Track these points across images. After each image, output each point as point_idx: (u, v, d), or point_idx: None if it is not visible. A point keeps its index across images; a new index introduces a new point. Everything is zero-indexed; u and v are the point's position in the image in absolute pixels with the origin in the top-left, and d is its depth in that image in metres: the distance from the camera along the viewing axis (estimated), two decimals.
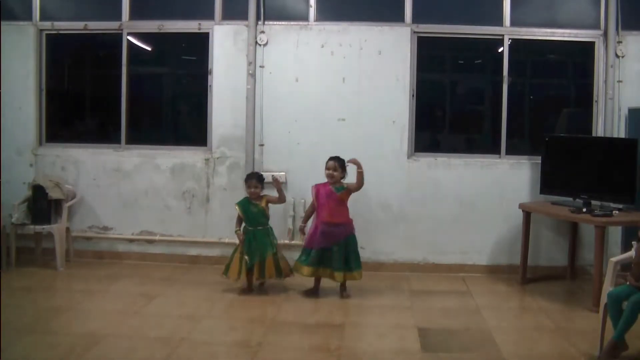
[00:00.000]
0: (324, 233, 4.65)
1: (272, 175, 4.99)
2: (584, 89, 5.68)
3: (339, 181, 4.73)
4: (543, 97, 6.07)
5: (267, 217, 4.88)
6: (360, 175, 4.64)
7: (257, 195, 4.85)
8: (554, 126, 5.76)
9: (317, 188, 4.76)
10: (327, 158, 4.83)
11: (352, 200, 5.46)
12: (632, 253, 3.60)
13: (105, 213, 5.76)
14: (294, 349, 3.69)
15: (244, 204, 4.85)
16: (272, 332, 3.98)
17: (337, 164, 4.71)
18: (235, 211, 4.89)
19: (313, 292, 4.81)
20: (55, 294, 4.86)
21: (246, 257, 4.73)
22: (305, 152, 5.49)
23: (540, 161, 5.32)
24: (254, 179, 4.87)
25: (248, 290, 4.86)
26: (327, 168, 4.72)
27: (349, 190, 4.73)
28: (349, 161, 4.69)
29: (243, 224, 4.86)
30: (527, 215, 5.16)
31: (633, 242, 3.57)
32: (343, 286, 4.79)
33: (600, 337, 3.55)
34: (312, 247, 4.69)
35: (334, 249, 4.66)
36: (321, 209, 4.71)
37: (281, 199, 4.94)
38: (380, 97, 5.49)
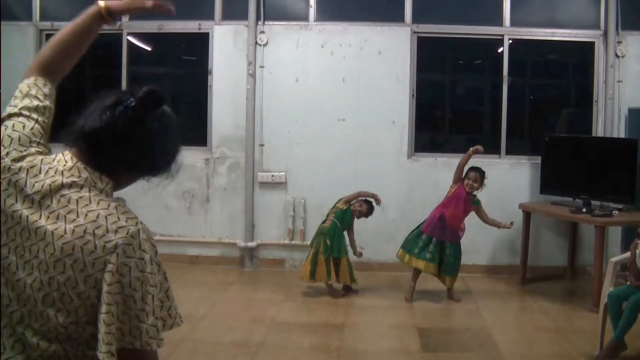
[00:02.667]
0: (437, 223, 4.64)
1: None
2: (584, 89, 5.68)
3: (473, 193, 4.69)
4: (543, 97, 6.08)
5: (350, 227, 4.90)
6: (496, 225, 4.76)
7: (358, 215, 4.89)
8: (554, 126, 5.76)
9: (461, 187, 4.67)
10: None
11: None
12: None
13: None
14: (294, 349, 3.70)
15: (349, 211, 4.86)
16: (272, 332, 3.98)
17: (479, 176, 4.66)
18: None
19: (410, 296, 4.74)
20: None
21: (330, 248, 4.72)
22: (305, 152, 5.49)
23: (540, 161, 5.32)
24: (367, 204, 4.90)
25: (344, 290, 4.85)
26: (468, 178, 4.66)
27: (478, 209, 4.74)
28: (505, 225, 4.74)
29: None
30: (527, 215, 5.16)
31: (638, 240, 3.56)
32: (450, 290, 4.77)
33: (600, 337, 3.55)
34: (426, 231, 4.66)
35: (447, 250, 4.64)
36: (448, 205, 4.68)
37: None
38: (380, 97, 5.49)
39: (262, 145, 5.56)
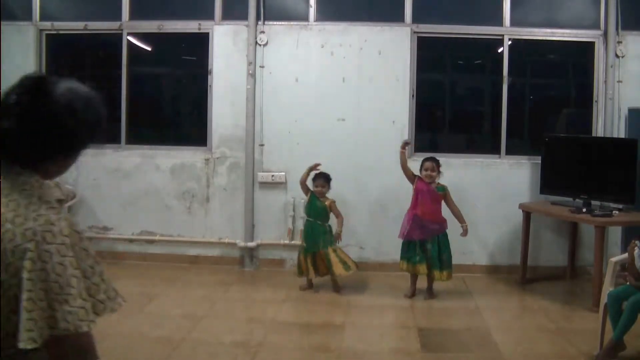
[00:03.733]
0: (416, 225, 4.68)
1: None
2: (584, 89, 5.68)
3: (435, 181, 4.77)
4: (543, 97, 6.07)
5: (327, 217, 4.92)
6: (462, 221, 4.77)
7: (321, 194, 4.91)
8: (554, 126, 5.76)
9: (419, 181, 4.76)
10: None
11: (352, 200, 5.48)
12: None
13: (105, 213, 5.76)
14: (294, 349, 3.70)
15: (312, 196, 4.92)
16: (272, 332, 3.98)
17: (433, 164, 4.75)
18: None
19: (413, 295, 4.81)
20: None
21: (304, 245, 4.88)
22: (305, 152, 5.49)
23: (540, 161, 5.32)
24: (321, 179, 4.92)
25: (306, 286, 4.93)
26: (424, 169, 4.75)
27: (445, 195, 4.78)
28: (463, 228, 4.78)
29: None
30: (527, 215, 5.16)
31: (636, 241, 3.56)
32: (430, 286, 4.81)
33: (600, 337, 3.55)
34: (408, 238, 4.71)
35: (428, 246, 4.69)
36: (417, 203, 4.73)
37: (339, 220, 4.96)
38: (380, 97, 5.49)
39: (262, 145, 5.56)
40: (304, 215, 5.00)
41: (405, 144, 4.80)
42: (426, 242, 4.69)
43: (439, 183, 4.80)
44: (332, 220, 4.95)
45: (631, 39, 5.40)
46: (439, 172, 4.78)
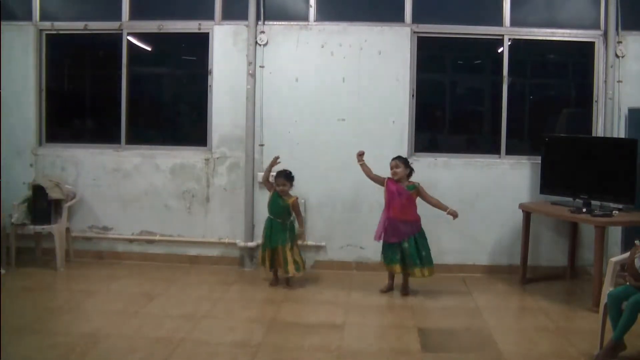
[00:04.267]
0: (390, 228, 4.74)
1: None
2: (584, 89, 5.68)
3: (405, 179, 4.80)
4: (543, 97, 6.07)
5: (289, 215, 4.96)
6: (443, 209, 4.77)
7: (284, 192, 4.94)
8: (554, 126, 5.76)
9: (389, 182, 4.81)
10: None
11: (352, 200, 5.49)
12: None
13: (105, 213, 5.76)
14: (294, 349, 3.70)
15: (274, 194, 4.97)
16: (272, 332, 3.98)
17: (400, 162, 4.79)
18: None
19: (390, 288, 4.93)
20: (55, 294, 4.86)
21: (263, 240, 5.00)
22: (305, 152, 5.50)
23: (540, 161, 5.32)
24: (281, 177, 4.95)
25: (274, 282, 5.01)
26: (390, 168, 4.80)
27: (418, 192, 4.81)
28: (449, 213, 4.77)
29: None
30: (527, 215, 5.16)
31: (637, 241, 3.56)
32: (405, 283, 4.89)
33: (600, 337, 3.55)
34: (386, 241, 4.80)
35: (404, 245, 4.74)
36: (390, 204, 4.77)
37: (299, 220, 5.03)
38: (380, 97, 5.49)
39: (262, 145, 5.56)
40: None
41: (360, 155, 4.88)
42: (403, 242, 4.74)
43: (410, 182, 4.83)
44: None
45: (631, 39, 5.40)
46: (408, 169, 4.81)
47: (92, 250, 5.78)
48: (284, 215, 4.94)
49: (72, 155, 5.77)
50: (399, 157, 4.85)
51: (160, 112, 6.26)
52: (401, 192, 4.75)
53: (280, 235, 4.90)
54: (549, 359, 3.62)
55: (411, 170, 4.85)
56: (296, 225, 5.00)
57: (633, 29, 5.40)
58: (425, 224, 5.51)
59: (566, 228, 5.42)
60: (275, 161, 4.96)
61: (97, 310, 4.36)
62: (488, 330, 4.05)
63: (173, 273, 5.35)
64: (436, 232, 5.51)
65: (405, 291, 4.86)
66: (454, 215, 4.77)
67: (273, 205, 4.97)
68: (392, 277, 4.93)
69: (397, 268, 4.78)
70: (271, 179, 5.04)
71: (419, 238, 4.78)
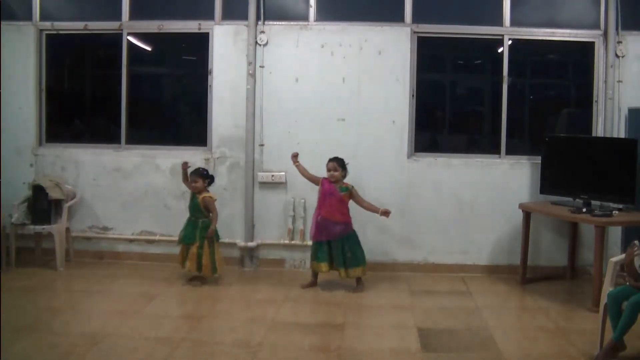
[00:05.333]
0: (321, 226, 4.82)
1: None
2: (584, 89, 5.68)
3: (341, 180, 4.86)
4: (543, 97, 6.07)
5: (202, 213, 5.00)
6: (374, 210, 4.87)
7: (197, 189, 4.99)
8: (554, 126, 5.76)
9: (324, 182, 4.89)
10: (327, 158, 4.87)
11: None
12: None
13: (105, 213, 5.76)
14: (294, 349, 3.69)
15: (192, 193, 5.03)
16: (272, 332, 3.98)
17: (337, 164, 4.86)
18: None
19: (312, 284, 4.98)
20: (55, 294, 4.86)
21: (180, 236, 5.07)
22: (305, 152, 5.48)
23: (540, 161, 5.32)
24: (194, 175, 5.01)
25: (192, 279, 5.06)
26: (327, 169, 4.86)
27: (351, 195, 4.88)
28: (382, 213, 4.84)
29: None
30: (527, 215, 5.16)
31: (636, 241, 3.56)
32: (359, 282, 4.93)
33: (600, 337, 3.55)
34: (317, 239, 4.87)
35: (333, 244, 4.81)
36: (321, 204, 4.86)
37: (213, 215, 5.04)
38: (380, 97, 5.49)
39: (262, 145, 5.56)
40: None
41: (295, 156, 4.98)
42: (332, 242, 4.81)
43: (344, 183, 4.89)
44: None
45: (631, 39, 5.40)
46: (343, 171, 4.89)
47: (92, 250, 5.78)
48: (197, 213, 4.98)
49: (72, 155, 5.77)
50: (335, 159, 4.91)
51: (160, 112, 6.26)
52: (333, 192, 4.84)
53: (190, 233, 4.95)
54: (549, 359, 3.62)
55: (346, 172, 4.93)
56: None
57: (633, 29, 5.40)
58: (425, 223, 5.54)
59: (566, 228, 5.42)
60: (184, 165, 5.03)
61: (97, 310, 4.36)
62: (488, 330, 4.05)
63: (173, 273, 5.34)
64: (436, 232, 5.53)
65: (358, 288, 4.91)
66: (387, 214, 4.84)
67: (190, 204, 5.04)
68: (315, 275, 4.99)
69: (324, 267, 4.85)
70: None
71: (348, 240, 4.85)
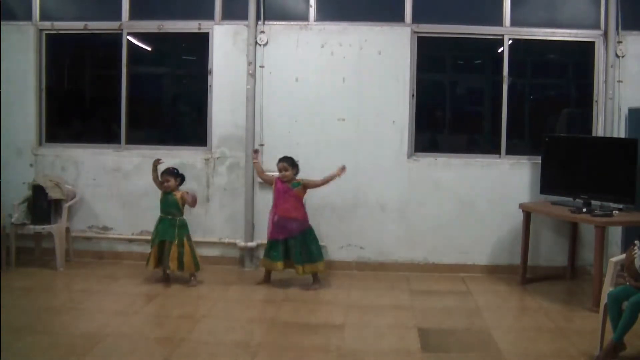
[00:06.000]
0: (278, 225, 4.87)
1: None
2: (584, 89, 5.68)
3: (293, 179, 4.93)
4: (543, 97, 6.07)
5: (178, 209, 5.01)
6: (331, 179, 4.88)
7: (170, 189, 5.00)
8: (554, 126, 5.76)
9: (277, 181, 4.96)
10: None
11: (352, 200, 5.48)
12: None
13: (105, 213, 5.76)
14: (294, 349, 3.69)
15: (164, 193, 5.05)
16: (272, 332, 3.98)
17: (287, 164, 4.93)
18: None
19: (265, 280, 5.05)
20: (55, 294, 4.86)
21: (152, 238, 5.08)
22: (305, 152, 5.49)
23: (540, 161, 5.32)
24: (166, 174, 5.03)
25: (163, 279, 5.05)
26: (278, 170, 4.94)
27: (304, 187, 4.95)
28: (339, 174, 4.90)
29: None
30: (527, 215, 5.16)
31: (636, 241, 3.55)
32: (315, 278, 4.97)
33: (600, 337, 3.55)
34: (273, 237, 4.92)
35: (291, 242, 4.86)
36: (277, 203, 4.93)
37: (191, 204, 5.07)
38: (380, 97, 5.49)
39: (262, 145, 5.55)
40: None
41: (255, 152, 5.08)
42: (289, 239, 4.85)
43: (295, 179, 4.94)
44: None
45: (631, 39, 5.39)
46: (294, 169, 4.94)
47: (92, 250, 5.78)
48: (173, 211, 4.99)
49: (72, 155, 5.77)
50: (285, 159, 4.96)
51: (160, 112, 6.26)
52: (287, 191, 4.90)
53: (168, 231, 4.95)
54: (549, 359, 3.62)
55: (298, 170, 4.97)
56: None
57: (633, 28, 5.40)
58: (425, 223, 5.54)
59: (566, 228, 5.42)
60: (157, 162, 5.04)
61: (97, 310, 4.36)
62: (488, 330, 4.05)
63: (172, 273, 5.34)
64: (436, 232, 5.53)
65: (315, 285, 4.94)
66: (343, 169, 4.88)
67: (163, 203, 5.02)
68: (269, 272, 5.05)
69: (279, 265, 4.89)
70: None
71: (305, 236, 4.90)
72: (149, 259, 5.01)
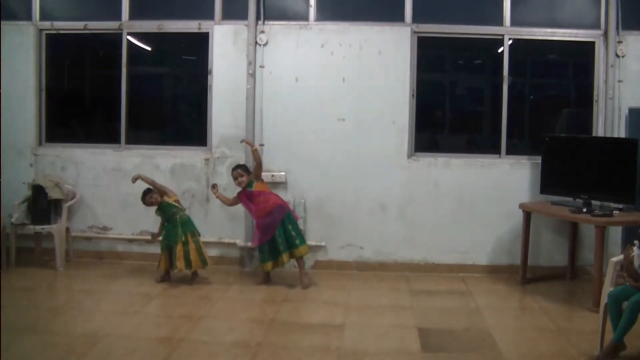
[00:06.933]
0: (264, 227, 4.89)
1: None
2: (584, 89, 5.67)
3: (247, 182, 5.01)
4: (543, 97, 6.07)
5: (177, 208, 5.10)
6: (255, 152, 4.98)
7: (158, 202, 5.13)
8: (554, 126, 5.76)
9: (240, 196, 5.04)
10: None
11: (352, 200, 5.48)
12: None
13: (105, 213, 5.76)
14: (294, 349, 3.69)
15: (161, 205, 5.12)
16: (272, 332, 3.98)
17: (241, 170, 5.02)
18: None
19: (265, 281, 5.07)
20: (55, 294, 4.86)
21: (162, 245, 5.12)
22: (305, 152, 5.49)
23: (540, 161, 5.32)
24: (151, 194, 5.11)
25: (163, 278, 5.08)
26: (234, 178, 5.01)
27: (257, 177, 5.00)
28: (242, 141, 5.14)
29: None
30: (527, 215, 5.16)
31: (636, 241, 3.55)
32: (302, 270, 4.98)
33: (600, 337, 3.55)
34: (263, 240, 4.94)
35: (276, 234, 4.89)
36: (253, 212, 4.99)
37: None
38: (380, 97, 5.49)
39: (262, 145, 5.55)
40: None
41: (214, 187, 5.19)
42: (275, 234, 4.89)
43: (249, 183, 5.00)
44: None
45: (631, 39, 5.39)
46: (250, 174, 5.02)
47: (92, 250, 5.78)
48: (172, 210, 5.07)
49: (72, 155, 5.77)
50: (238, 166, 5.07)
51: (160, 112, 6.26)
52: (249, 195, 4.95)
53: (172, 234, 4.98)
54: (548, 359, 3.62)
55: (250, 173, 5.04)
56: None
57: (633, 28, 5.40)
58: (425, 223, 5.54)
59: (566, 228, 5.42)
60: (135, 178, 5.07)
61: (97, 310, 4.36)
62: (488, 330, 4.05)
63: (172, 273, 5.34)
64: (436, 232, 5.53)
65: (305, 281, 4.95)
66: (248, 141, 5.12)
67: (160, 213, 5.10)
68: (266, 274, 5.08)
69: (270, 265, 4.97)
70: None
71: (289, 220, 4.94)
72: (160, 262, 5.05)
